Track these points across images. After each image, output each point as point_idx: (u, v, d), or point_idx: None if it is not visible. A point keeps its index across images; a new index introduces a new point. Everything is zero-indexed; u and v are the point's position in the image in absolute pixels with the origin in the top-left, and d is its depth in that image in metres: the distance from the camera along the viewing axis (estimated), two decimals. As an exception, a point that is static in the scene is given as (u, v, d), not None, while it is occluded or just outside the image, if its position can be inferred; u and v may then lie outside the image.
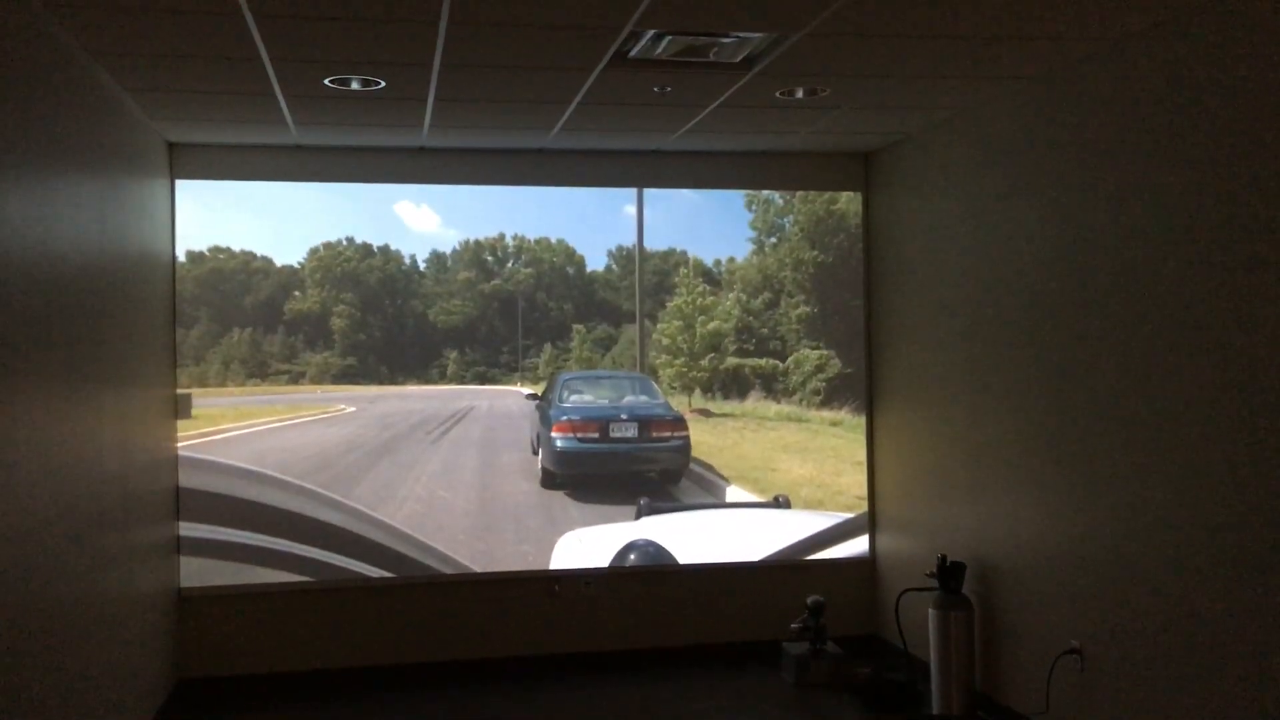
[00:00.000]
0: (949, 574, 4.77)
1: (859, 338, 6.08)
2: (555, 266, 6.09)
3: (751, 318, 6.20)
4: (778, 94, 4.53)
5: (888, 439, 5.88)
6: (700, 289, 6.14)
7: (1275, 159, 3.16)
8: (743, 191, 6.06)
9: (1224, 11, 3.34)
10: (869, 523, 6.04)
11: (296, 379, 5.80)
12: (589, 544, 5.82)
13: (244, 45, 3.68)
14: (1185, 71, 3.52)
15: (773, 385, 6.22)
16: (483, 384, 5.99)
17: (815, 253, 6.15)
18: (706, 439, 6.13)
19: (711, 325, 6.15)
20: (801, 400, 6.17)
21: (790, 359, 6.19)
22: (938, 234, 5.23)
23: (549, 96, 4.51)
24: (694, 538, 5.92)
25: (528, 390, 6.03)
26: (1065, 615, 4.21)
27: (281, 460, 5.59)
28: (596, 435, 5.99)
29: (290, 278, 5.77)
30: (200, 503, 5.38)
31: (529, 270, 6.07)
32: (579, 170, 5.83)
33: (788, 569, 5.95)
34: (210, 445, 5.49)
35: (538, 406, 6.00)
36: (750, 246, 6.20)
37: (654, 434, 6.06)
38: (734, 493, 6.09)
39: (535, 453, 5.96)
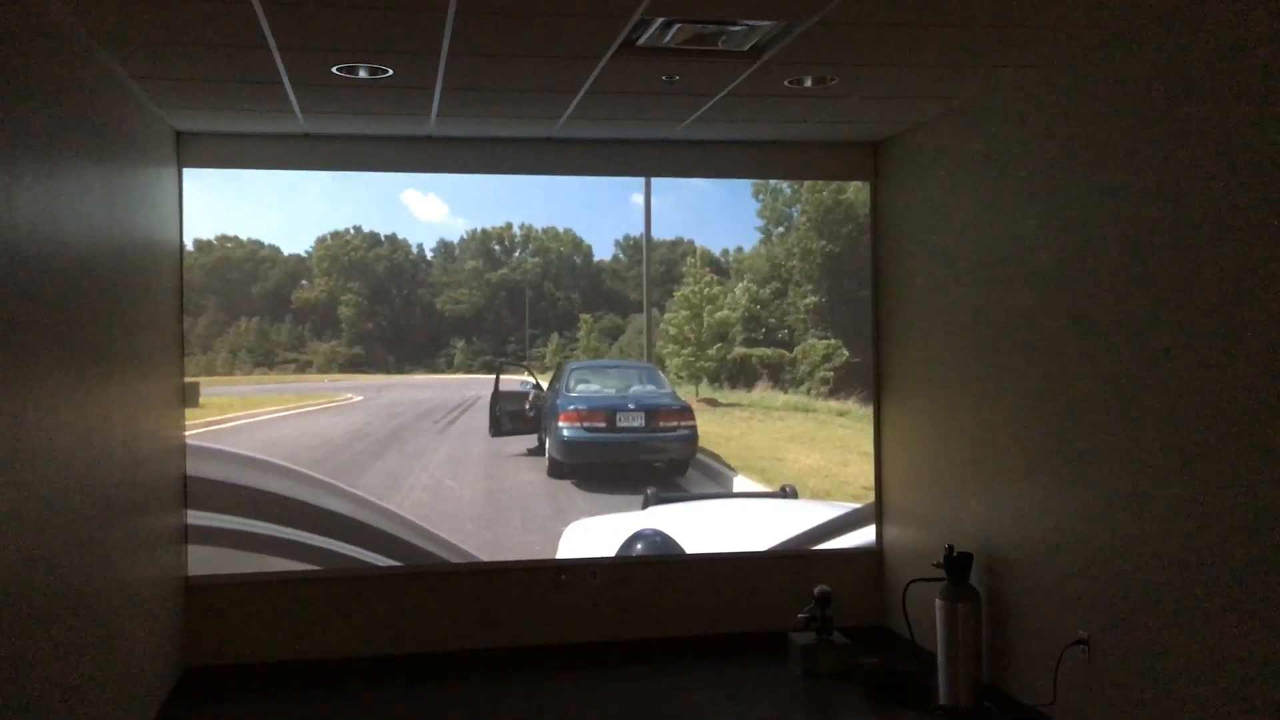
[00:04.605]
0: (956, 564, 4.77)
1: (866, 328, 6.06)
2: (562, 256, 6.08)
3: (759, 307, 6.19)
4: (786, 83, 4.51)
5: (895, 429, 5.87)
6: (708, 278, 6.13)
7: (1288, 148, 3.14)
8: (751, 181, 6.04)
9: (1235, 2, 3.31)
10: (876, 513, 6.04)
11: (304, 368, 5.81)
12: (595, 533, 5.82)
13: (252, 33, 3.67)
14: (1197, 62, 3.49)
15: (780, 375, 6.21)
16: (490, 373, 5.99)
17: (823, 242, 6.14)
18: (713, 429, 6.13)
19: (719, 315, 6.14)
20: (809, 390, 6.16)
21: (798, 349, 6.18)
22: (946, 224, 5.21)
23: (557, 85, 4.49)
24: (701, 527, 5.92)
25: (530, 381, 6.01)
26: (1073, 606, 4.20)
27: (288, 449, 5.60)
28: (603, 424, 5.99)
29: (298, 266, 5.77)
30: (208, 491, 5.39)
31: (536, 259, 6.06)
32: (586, 159, 5.81)
33: (794, 559, 5.95)
34: (218, 434, 5.50)
35: (488, 398, 5.95)
36: (758, 236, 6.18)
37: (661, 423, 6.05)
38: (741, 482, 6.09)
39: (496, 435, 5.93)
